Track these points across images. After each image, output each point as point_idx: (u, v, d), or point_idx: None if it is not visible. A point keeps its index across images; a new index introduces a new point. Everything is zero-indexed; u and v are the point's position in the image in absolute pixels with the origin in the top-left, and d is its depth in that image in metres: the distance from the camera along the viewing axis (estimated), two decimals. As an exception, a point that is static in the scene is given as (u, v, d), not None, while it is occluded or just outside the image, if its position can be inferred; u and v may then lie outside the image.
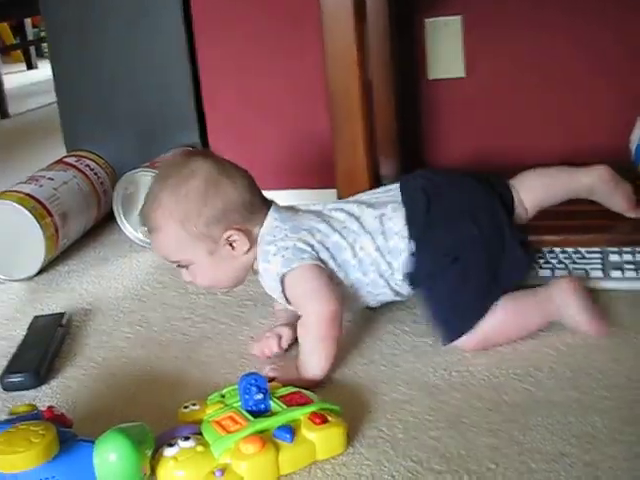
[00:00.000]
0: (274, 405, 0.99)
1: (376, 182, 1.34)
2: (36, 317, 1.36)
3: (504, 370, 1.08)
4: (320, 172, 1.73)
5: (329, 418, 0.95)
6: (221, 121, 1.90)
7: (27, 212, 1.61)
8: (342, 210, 1.19)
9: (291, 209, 1.20)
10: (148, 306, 1.43)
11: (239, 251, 1.15)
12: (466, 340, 1.12)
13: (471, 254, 1.13)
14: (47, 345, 1.25)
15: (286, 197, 1.70)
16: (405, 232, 1.15)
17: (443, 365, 1.11)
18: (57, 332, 1.30)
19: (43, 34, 5.35)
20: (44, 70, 4.75)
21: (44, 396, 1.16)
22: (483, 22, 1.74)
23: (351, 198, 1.24)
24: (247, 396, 0.98)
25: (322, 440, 0.93)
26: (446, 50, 1.76)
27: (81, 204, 1.80)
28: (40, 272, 1.65)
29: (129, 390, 1.15)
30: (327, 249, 1.14)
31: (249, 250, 1.16)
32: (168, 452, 0.92)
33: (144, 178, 1.71)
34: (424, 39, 1.78)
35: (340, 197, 1.34)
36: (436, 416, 0.99)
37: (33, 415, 0.93)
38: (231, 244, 1.15)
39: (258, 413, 0.97)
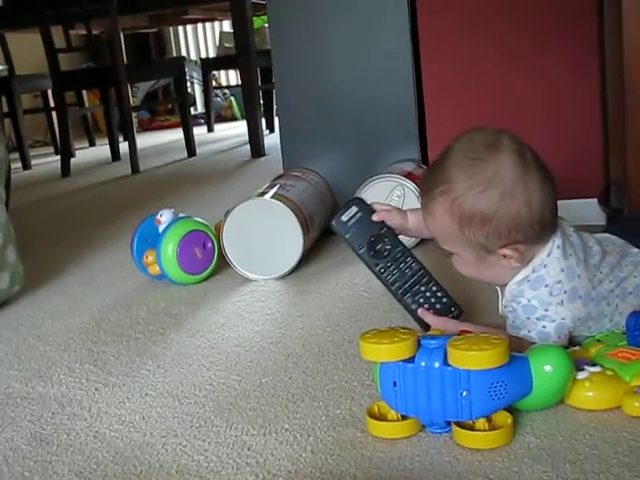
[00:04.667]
0: (658, 343, 1.03)
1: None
2: None
3: None
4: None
5: None
6: (443, 138, 1.97)
7: (289, 210, 1.69)
8: (613, 269, 1.13)
9: (574, 244, 1.12)
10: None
11: (509, 264, 1.10)
12: None
13: None
14: None
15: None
16: None
17: None
18: None
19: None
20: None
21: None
22: None
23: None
24: (637, 332, 1.04)
25: None
26: None
27: (321, 210, 1.88)
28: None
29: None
30: (592, 319, 1.11)
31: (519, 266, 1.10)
32: (580, 375, 0.97)
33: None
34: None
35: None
36: None
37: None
38: (504, 256, 1.09)
39: (643, 350, 1.02)
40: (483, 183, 1.04)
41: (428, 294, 1.24)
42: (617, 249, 1.17)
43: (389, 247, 1.26)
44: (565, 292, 1.08)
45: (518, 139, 1.08)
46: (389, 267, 1.24)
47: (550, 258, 1.09)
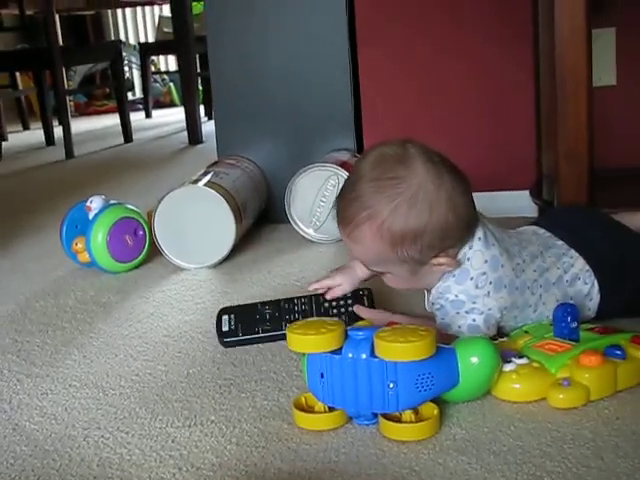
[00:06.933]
0: (584, 334, 1.04)
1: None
2: None
3: None
4: (490, 177, 1.80)
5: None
6: (378, 126, 1.97)
7: (221, 197, 1.66)
8: (534, 259, 1.14)
9: (495, 235, 1.12)
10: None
11: (442, 270, 1.09)
12: None
13: None
14: None
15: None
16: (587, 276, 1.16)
17: None
18: None
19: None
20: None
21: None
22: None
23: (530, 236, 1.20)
24: (563, 324, 1.03)
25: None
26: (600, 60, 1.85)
27: (254, 198, 1.86)
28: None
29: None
30: (517, 308, 1.12)
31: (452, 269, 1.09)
32: (507, 367, 0.98)
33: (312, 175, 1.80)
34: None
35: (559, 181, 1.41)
36: None
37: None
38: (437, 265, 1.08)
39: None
40: (407, 201, 1.02)
41: (334, 302, 1.25)
42: (540, 240, 1.18)
43: (272, 308, 1.26)
44: (491, 283, 1.09)
45: (423, 145, 1.06)
46: (290, 317, 1.24)
47: (472, 251, 1.09)
